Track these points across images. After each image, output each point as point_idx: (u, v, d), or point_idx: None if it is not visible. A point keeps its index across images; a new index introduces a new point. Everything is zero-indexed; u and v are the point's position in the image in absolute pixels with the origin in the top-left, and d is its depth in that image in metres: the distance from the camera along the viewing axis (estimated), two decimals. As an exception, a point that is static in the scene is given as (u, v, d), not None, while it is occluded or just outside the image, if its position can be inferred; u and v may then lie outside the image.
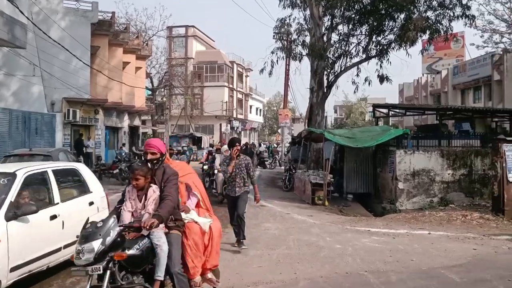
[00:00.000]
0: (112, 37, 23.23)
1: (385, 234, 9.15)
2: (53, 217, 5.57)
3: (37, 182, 5.82)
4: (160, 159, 4.35)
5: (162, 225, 4.12)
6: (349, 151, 14.57)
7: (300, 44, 18.35)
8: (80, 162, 19.72)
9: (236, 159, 7.58)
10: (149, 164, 4.28)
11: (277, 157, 30.03)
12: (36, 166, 5.95)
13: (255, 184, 7.89)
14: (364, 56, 18.26)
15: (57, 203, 5.79)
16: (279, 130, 35.40)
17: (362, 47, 18.24)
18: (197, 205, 4.87)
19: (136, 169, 4.19)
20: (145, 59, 30.25)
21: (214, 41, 58.01)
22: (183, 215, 4.51)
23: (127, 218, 4.20)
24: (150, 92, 36.35)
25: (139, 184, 4.16)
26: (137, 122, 31.09)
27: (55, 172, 6.00)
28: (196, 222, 4.58)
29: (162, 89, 39.60)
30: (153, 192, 4.21)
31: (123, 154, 22.47)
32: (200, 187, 4.99)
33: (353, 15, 17.53)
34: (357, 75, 18.62)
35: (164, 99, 41.80)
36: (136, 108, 27.95)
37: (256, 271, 6.39)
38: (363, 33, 18.15)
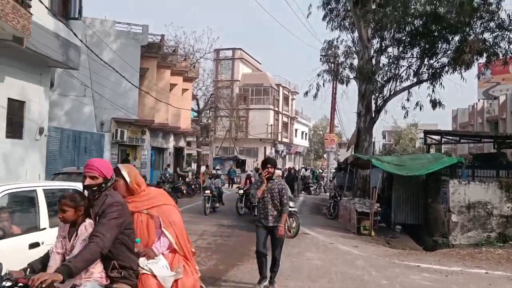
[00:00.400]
0: (160, 59, 23.82)
1: (437, 271, 8.40)
2: (35, 245, 4.70)
3: (21, 203, 5.12)
4: (103, 185, 3.20)
5: (97, 275, 3.04)
6: (398, 179, 13.83)
7: (347, 66, 17.97)
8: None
9: (268, 183, 6.46)
10: (85, 192, 3.23)
11: (322, 182, 29.34)
12: (22, 184, 5.29)
13: (284, 213, 6.47)
14: (415, 79, 17.56)
15: (44, 229, 4.92)
16: (325, 155, 34.71)
17: (413, 70, 17.55)
18: (173, 250, 3.64)
19: (64, 197, 3.12)
20: (192, 81, 30.80)
21: (260, 63, 58.56)
22: (141, 262, 3.34)
23: (54, 262, 3.12)
24: (196, 114, 36.92)
25: (65, 218, 3.12)
26: (182, 143, 31.51)
27: (47, 192, 5.16)
28: (154, 276, 3.34)
29: (208, 111, 40.13)
30: (85, 229, 3.11)
31: (167, 175, 22.72)
32: (177, 225, 3.68)
33: (404, 37, 16.94)
34: (408, 99, 17.94)
35: (209, 121, 42.35)
36: (182, 130, 28.34)
37: (294, 307, 5.93)
38: (414, 55, 17.50)
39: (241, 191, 15.78)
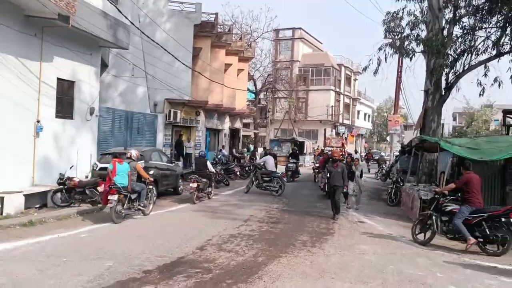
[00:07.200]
0: (215, 39, 23.18)
1: (520, 274, 7.04)
2: None
3: None
4: None
5: None
6: (471, 164, 12.18)
7: (414, 39, 16.14)
8: (180, 162, 20.00)
9: None
10: None
11: (384, 166, 27.58)
12: None
13: None
14: (494, 52, 15.41)
15: None
16: (388, 138, 32.75)
17: (492, 41, 15.39)
18: None
19: None
20: (248, 61, 29.95)
21: (322, 43, 56.49)
22: None
23: None
24: (253, 95, 36.18)
25: None
26: (238, 124, 30.98)
27: None
28: None
29: (265, 92, 39.22)
30: None
31: (221, 156, 22.27)
32: None
33: (482, 5, 14.90)
34: (485, 75, 15.80)
35: (265, 102, 41.48)
36: (237, 111, 27.73)
37: (338, 314, 4.99)
38: (494, 25, 15.35)
39: None
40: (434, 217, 8.90)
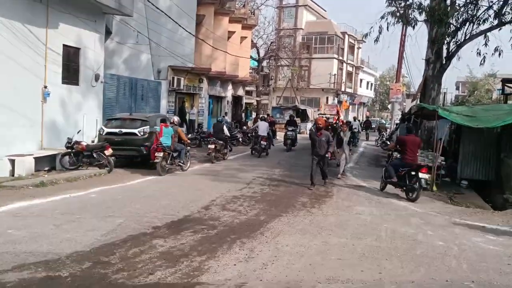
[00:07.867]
0: (218, 6, 23.05)
1: (505, 233, 7.53)
2: None
3: None
4: None
5: None
6: (468, 131, 12.52)
7: (416, 8, 16.08)
8: (183, 128, 20.34)
9: None
10: None
11: (384, 134, 27.93)
12: None
13: None
14: (495, 21, 15.40)
15: None
16: (389, 106, 32.91)
17: (494, 11, 15.38)
18: None
19: None
20: (251, 29, 29.78)
21: (325, 10, 55.77)
22: None
23: None
24: (256, 63, 36.12)
25: None
26: (240, 92, 31.09)
27: None
28: None
29: (268, 60, 39.14)
30: None
31: (223, 122, 22.53)
32: None
33: (486, -27, 14.81)
34: (485, 44, 15.81)
35: (268, 70, 41.44)
36: (240, 78, 27.83)
37: (333, 264, 5.43)
38: (497, -7, 15.27)
39: None
40: (384, 169, 11.31)
